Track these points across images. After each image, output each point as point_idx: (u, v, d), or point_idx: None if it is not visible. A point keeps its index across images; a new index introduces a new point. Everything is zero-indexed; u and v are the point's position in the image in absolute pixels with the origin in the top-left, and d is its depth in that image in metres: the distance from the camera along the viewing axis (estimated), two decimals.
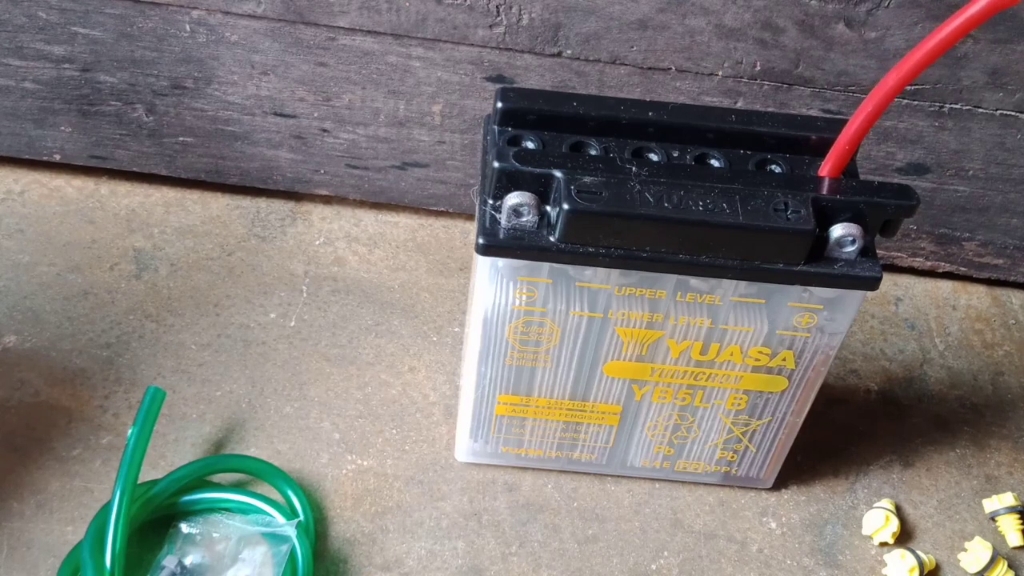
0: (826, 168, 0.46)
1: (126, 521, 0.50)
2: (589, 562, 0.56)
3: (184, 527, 0.53)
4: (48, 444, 0.56)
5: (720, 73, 0.61)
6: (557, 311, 0.49)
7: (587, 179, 0.44)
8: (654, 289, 0.48)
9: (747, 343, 0.50)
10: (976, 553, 0.57)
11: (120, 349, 0.61)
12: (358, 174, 0.69)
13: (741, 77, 0.61)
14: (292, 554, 0.52)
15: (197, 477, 0.54)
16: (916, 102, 0.62)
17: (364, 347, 0.63)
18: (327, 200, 0.71)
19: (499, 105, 0.47)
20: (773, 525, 0.58)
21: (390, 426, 0.60)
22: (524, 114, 0.47)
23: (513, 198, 0.45)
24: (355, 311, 0.65)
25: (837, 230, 0.45)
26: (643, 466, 0.58)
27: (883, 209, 0.45)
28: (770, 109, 0.62)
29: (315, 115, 0.65)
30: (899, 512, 0.59)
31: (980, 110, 0.62)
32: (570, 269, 0.47)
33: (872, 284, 0.46)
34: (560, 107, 0.47)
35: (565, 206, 0.43)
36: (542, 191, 0.45)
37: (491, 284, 0.48)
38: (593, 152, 0.47)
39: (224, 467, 0.56)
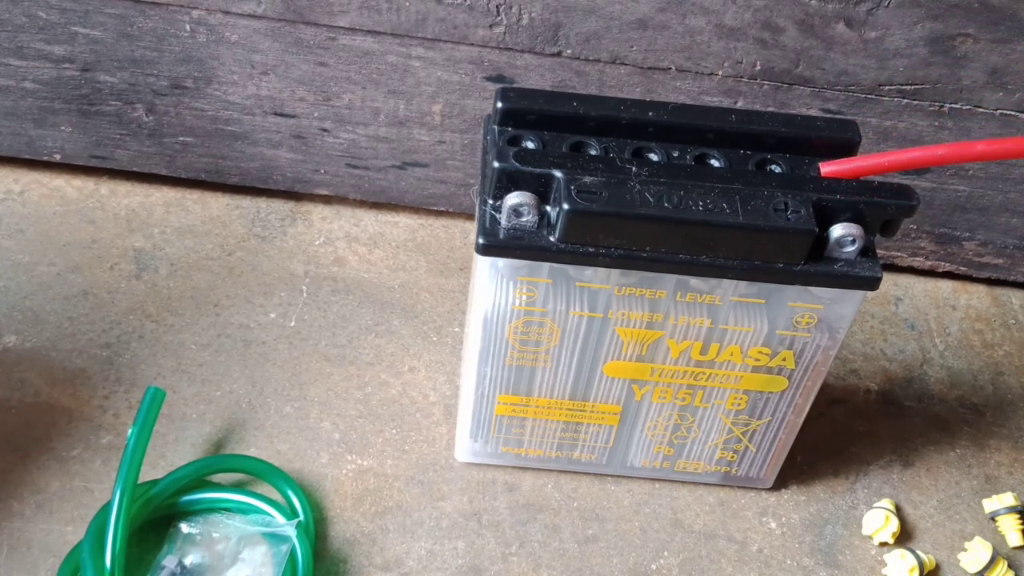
0: (830, 168, 0.46)
1: (126, 521, 0.50)
2: (589, 562, 0.56)
3: (184, 527, 0.53)
4: (48, 444, 0.56)
5: (720, 73, 0.61)
6: (557, 311, 0.49)
7: (587, 179, 0.44)
8: (654, 289, 0.48)
9: (747, 343, 0.50)
10: (976, 553, 0.57)
11: (120, 349, 0.61)
12: (358, 174, 0.69)
13: (741, 77, 0.61)
14: (292, 554, 0.52)
15: (197, 477, 0.54)
16: (916, 102, 0.62)
17: (364, 347, 0.63)
18: (327, 200, 0.71)
19: (499, 105, 0.47)
20: (773, 525, 0.58)
21: (390, 426, 0.60)
22: (524, 114, 0.47)
23: (513, 198, 0.45)
24: (355, 311, 0.65)
25: (837, 230, 0.45)
26: (643, 466, 0.58)
27: (883, 209, 0.45)
28: (770, 109, 0.62)
29: (315, 115, 0.65)
30: (899, 512, 0.59)
31: (980, 110, 0.62)
32: (570, 269, 0.47)
33: (872, 284, 0.46)
34: (560, 107, 0.47)
35: (565, 206, 0.43)
36: (542, 191, 0.45)
37: (491, 284, 0.48)
38: (593, 152, 0.47)
39: (224, 467, 0.56)
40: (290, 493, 0.54)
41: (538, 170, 0.44)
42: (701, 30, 0.59)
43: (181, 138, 0.67)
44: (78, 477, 0.55)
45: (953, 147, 0.45)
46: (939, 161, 0.45)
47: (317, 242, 0.69)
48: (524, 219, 0.45)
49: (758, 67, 0.61)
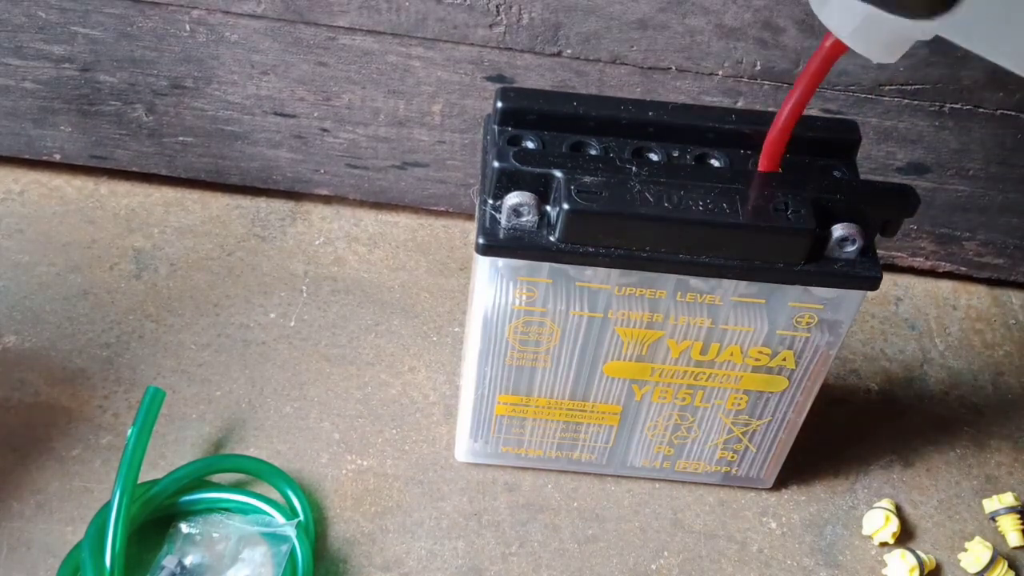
0: (763, 163, 0.46)
1: (126, 521, 0.50)
2: (589, 562, 0.56)
3: (184, 527, 0.53)
4: (48, 444, 0.56)
5: (720, 73, 0.61)
6: (557, 311, 0.49)
7: (587, 179, 0.44)
8: (654, 289, 0.48)
9: (747, 343, 0.50)
10: (976, 553, 0.57)
11: (120, 349, 0.61)
12: (358, 174, 0.69)
13: (741, 77, 0.61)
14: (292, 554, 0.52)
15: (197, 477, 0.54)
16: (916, 102, 0.62)
17: (364, 347, 0.63)
18: (327, 200, 0.71)
19: (499, 105, 0.47)
20: (773, 525, 0.58)
21: (390, 426, 0.60)
22: (524, 114, 0.47)
23: (513, 198, 0.45)
24: (355, 311, 0.65)
25: (837, 230, 0.45)
26: (643, 466, 0.58)
27: (883, 209, 0.45)
28: (770, 109, 0.62)
29: (315, 115, 0.65)
30: (899, 512, 0.59)
31: (981, 110, 0.62)
32: (570, 269, 0.47)
33: (872, 284, 0.46)
34: (560, 107, 0.47)
35: (565, 206, 0.43)
36: (542, 191, 0.45)
37: (491, 284, 0.48)
38: (593, 152, 0.47)
39: (224, 467, 0.56)
40: (290, 493, 0.54)
41: (538, 170, 0.44)
42: (701, 30, 0.59)
43: (181, 138, 0.67)
44: (78, 477, 0.55)
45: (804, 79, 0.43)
46: (803, 101, 0.43)
47: (317, 242, 0.69)
48: (524, 219, 0.45)
49: (758, 67, 0.60)
